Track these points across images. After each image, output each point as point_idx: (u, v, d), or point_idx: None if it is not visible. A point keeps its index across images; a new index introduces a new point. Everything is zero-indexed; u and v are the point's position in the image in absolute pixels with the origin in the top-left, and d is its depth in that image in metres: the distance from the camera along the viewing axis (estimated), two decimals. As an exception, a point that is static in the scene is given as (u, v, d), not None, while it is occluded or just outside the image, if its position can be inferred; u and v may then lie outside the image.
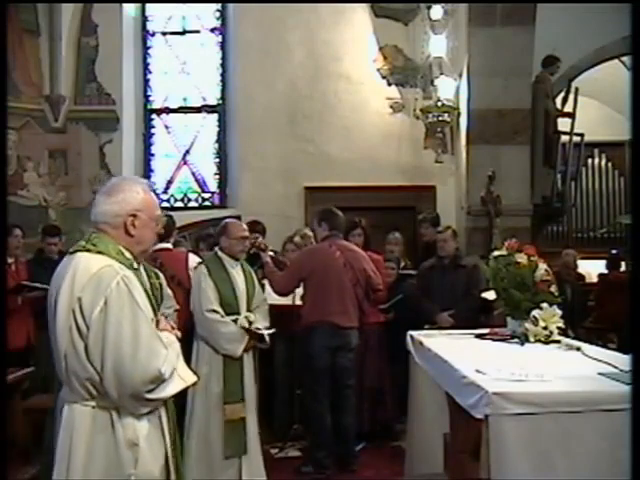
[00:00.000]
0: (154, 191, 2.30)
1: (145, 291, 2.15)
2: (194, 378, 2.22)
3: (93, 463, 2.03)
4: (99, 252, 2.11)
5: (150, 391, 2.02)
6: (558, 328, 3.07)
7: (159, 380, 2.02)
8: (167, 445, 2.15)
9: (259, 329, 4.08)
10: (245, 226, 4.41)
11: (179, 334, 2.27)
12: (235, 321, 4.01)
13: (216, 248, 4.32)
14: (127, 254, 2.17)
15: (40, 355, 5.37)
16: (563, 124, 7.18)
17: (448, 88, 7.04)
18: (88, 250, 2.13)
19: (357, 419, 4.82)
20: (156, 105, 8.22)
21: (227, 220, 4.47)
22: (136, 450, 2.04)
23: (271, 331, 4.16)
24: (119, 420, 2.05)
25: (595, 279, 7.52)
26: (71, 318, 2.01)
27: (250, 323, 4.05)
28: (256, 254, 4.84)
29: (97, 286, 1.99)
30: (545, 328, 3.05)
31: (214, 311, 4.00)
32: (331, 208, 4.85)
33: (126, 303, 1.99)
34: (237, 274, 4.18)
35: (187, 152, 8.20)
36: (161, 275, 4.13)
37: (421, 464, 3.56)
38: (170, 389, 2.08)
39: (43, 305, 5.60)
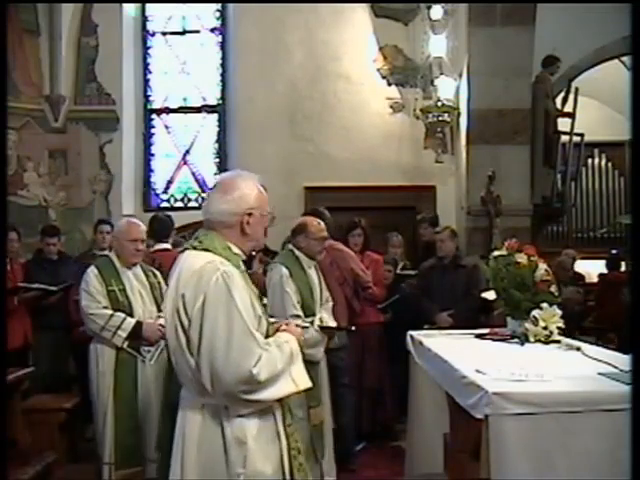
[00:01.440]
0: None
1: (251, 289, 2.14)
2: (308, 384, 2.14)
3: (203, 461, 2.03)
4: (205, 249, 2.11)
5: (245, 392, 1.98)
6: (558, 328, 3.08)
7: (252, 381, 1.96)
8: (282, 446, 2.11)
9: (341, 326, 4.06)
10: (324, 225, 4.19)
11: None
12: (312, 322, 3.91)
13: (290, 246, 4.16)
14: (235, 249, 2.16)
15: (39, 355, 5.39)
16: (563, 124, 7.18)
17: (448, 88, 7.04)
18: (194, 248, 2.14)
19: (357, 419, 4.82)
20: (156, 105, 8.22)
21: (306, 218, 4.27)
22: (244, 448, 2.01)
23: (352, 328, 4.14)
24: (227, 418, 2.03)
25: (595, 279, 7.52)
26: (175, 315, 2.04)
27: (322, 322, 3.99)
28: (251, 256, 4.84)
29: (198, 282, 2.01)
30: (545, 328, 3.05)
31: (297, 316, 3.81)
32: (318, 208, 4.83)
33: (223, 300, 1.99)
34: (313, 274, 4.10)
35: (187, 152, 8.20)
36: (159, 274, 4.16)
37: (421, 464, 3.56)
38: (272, 392, 2.02)
39: (40, 305, 5.63)
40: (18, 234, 5.56)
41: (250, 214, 2.18)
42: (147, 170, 8.15)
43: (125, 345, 3.85)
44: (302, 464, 2.15)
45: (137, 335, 3.88)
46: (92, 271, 3.95)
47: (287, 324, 2.27)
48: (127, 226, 4.00)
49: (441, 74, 7.10)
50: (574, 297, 6.25)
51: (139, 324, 3.89)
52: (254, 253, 5.04)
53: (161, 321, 4.00)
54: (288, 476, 2.10)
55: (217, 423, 2.03)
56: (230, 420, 2.02)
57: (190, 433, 2.04)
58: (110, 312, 3.86)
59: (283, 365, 2.04)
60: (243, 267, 2.16)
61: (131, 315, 3.90)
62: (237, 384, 1.96)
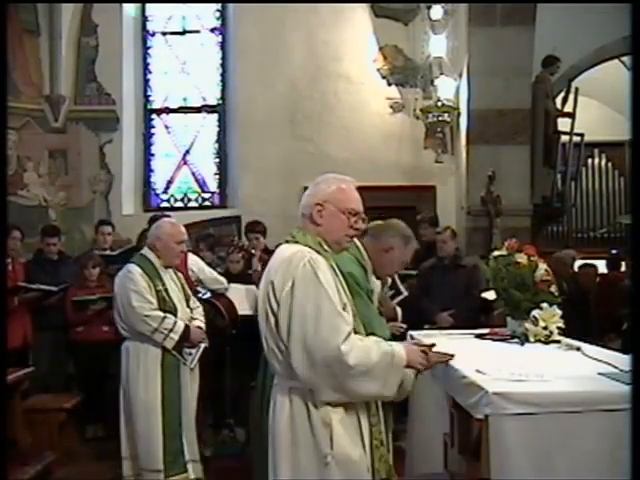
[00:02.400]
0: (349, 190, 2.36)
1: (338, 279, 2.23)
2: (395, 394, 2.15)
3: (294, 444, 2.10)
4: (296, 242, 2.25)
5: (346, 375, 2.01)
6: (558, 328, 3.08)
7: (342, 361, 1.99)
8: (365, 435, 2.15)
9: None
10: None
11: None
12: None
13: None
14: (325, 246, 2.27)
15: (39, 355, 5.39)
16: (563, 124, 7.19)
17: (448, 88, 7.04)
18: (287, 242, 2.31)
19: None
20: (156, 105, 8.22)
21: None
22: (330, 430, 2.07)
23: None
24: (313, 401, 2.08)
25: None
26: (266, 302, 2.15)
27: None
28: (251, 255, 4.85)
29: (287, 268, 2.12)
30: (545, 328, 3.05)
31: None
32: None
33: (310, 282, 2.08)
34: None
35: (187, 152, 8.20)
36: (181, 275, 4.18)
37: (421, 464, 3.56)
38: (360, 386, 2.04)
39: (40, 305, 5.64)
40: (22, 233, 5.56)
41: (320, 205, 2.28)
42: (147, 170, 8.14)
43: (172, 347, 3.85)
44: (383, 455, 2.21)
45: (185, 338, 3.88)
46: (136, 270, 3.88)
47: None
48: (173, 228, 4.00)
49: (441, 74, 7.10)
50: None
51: (187, 327, 3.90)
52: (253, 251, 5.05)
53: (198, 323, 4.03)
54: (370, 466, 2.16)
55: (304, 405, 2.10)
56: (316, 403, 2.09)
57: (280, 417, 2.14)
58: (162, 314, 3.83)
59: (378, 360, 2.06)
60: (333, 263, 2.25)
61: (175, 315, 3.90)
62: (327, 362, 2.01)
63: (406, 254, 2.99)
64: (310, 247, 2.20)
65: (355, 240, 2.67)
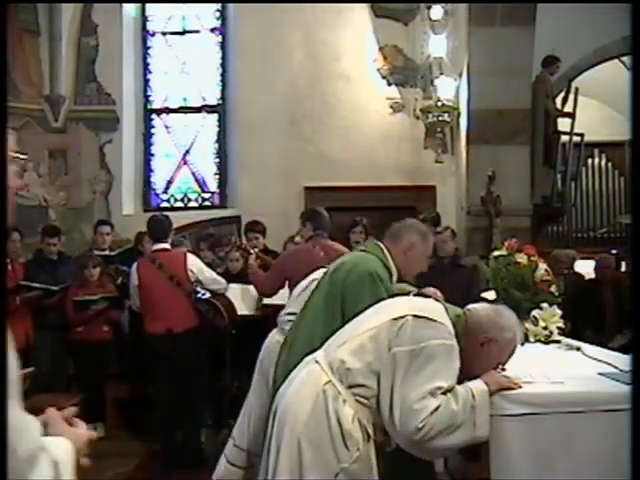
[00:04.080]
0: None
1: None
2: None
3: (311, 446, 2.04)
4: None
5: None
6: (558, 328, 3.08)
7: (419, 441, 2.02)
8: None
9: None
10: None
11: None
12: None
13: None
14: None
15: (39, 355, 5.39)
16: (563, 124, 7.18)
17: (448, 88, 7.03)
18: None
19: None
20: (156, 105, 8.22)
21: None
22: (353, 447, 2.04)
23: None
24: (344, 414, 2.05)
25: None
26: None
27: None
28: (249, 254, 4.85)
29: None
30: (545, 328, 3.05)
31: None
32: (315, 208, 4.83)
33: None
34: None
35: (187, 152, 8.19)
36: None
37: (421, 464, 3.55)
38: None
39: (40, 305, 5.63)
40: (20, 234, 5.56)
41: (490, 341, 2.21)
42: (147, 170, 8.14)
43: None
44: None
45: None
46: None
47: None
48: None
49: (441, 74, 7.09)
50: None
51: None
52: (251, 251, 5.05)
53: None
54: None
55: (334, 415, 2.05)
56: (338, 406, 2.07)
57: (301, 411, 2.09)
58: None
59: (461, 411, 2.02)
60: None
61: None
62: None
63: (428, 248, 2.98)
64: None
65: (379, 244, 2.81)
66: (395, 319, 2.11)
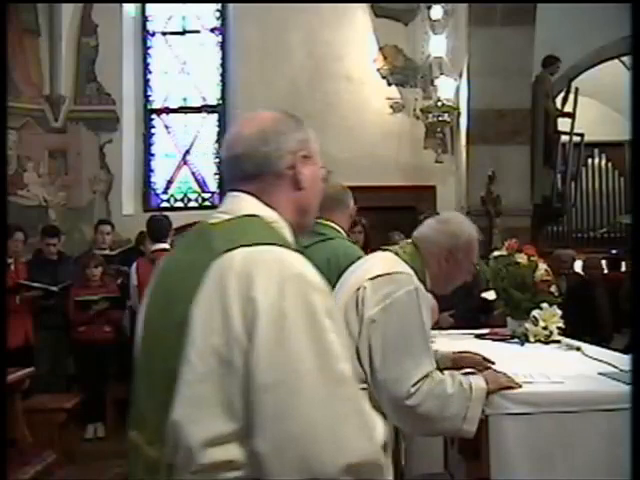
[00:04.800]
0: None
1: None
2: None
3: None
4: (405, 260, 2.16)
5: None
6: (558, 328, 3.08)
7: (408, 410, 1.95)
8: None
9: None
10: None
11: None
12: None
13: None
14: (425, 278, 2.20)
15: (39, 355, 5.39)
16: (563, 124, 7.18)
17: (448, 88, 7.03)
18: (397, 253, 2.20)
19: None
20: (156, 105, 8.22)
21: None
22: None
23: None
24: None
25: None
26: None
27: None
28: None
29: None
30: (545, 328, 3.05)
31: None
32: None
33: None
34: None
35: (187, 152, 8.19)
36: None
37: (421, 464, 3.56)
38: None
39: (41, 305, 5.62)
40: (25, 234, 5.56)
41: (451, 253, 2.22)
42: (147, 170, 8.14)
43: None
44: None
45: None
46: None
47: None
48: None
49: (441, 74, 7.10)
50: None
51: None
52: None
53: None
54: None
55: None
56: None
57: None
58: None
59: (454, 397, 1.98)
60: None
61: None
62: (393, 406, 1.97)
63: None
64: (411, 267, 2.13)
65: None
66: (355, 291, 2.07)
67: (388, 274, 2.06)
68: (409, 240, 2.29)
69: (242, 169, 1.32)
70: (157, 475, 1.20)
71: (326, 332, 1.14)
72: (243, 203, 1.30)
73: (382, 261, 2.18)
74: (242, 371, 1.10)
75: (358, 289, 2.06)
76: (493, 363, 2.31)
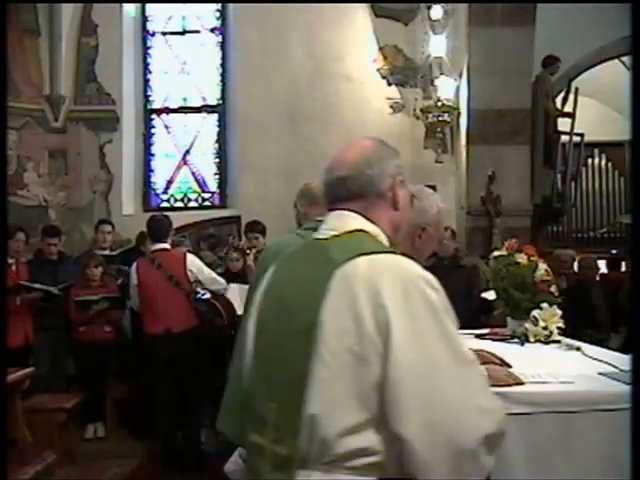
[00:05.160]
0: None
1: None
2: None
3: None
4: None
5: None
6: (558, 328, 3.07)
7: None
8: None
9: None
10: None
11: None
12: None
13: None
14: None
15: (39, 355, 5.39)
16: (563, 124, 7.18)
17: (448, 88, 7.03)
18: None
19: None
20: (156, 105, 8.22)
21: None
22: None
23: None
24: None
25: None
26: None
27: None
28: (245, 252, 4.86)
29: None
30: (545, 328, 3.05)
31: None
32: None
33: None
34: None
35: (187, 152, 8.20)
36: None
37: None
38: None
39: (41, 306, 5.62)
40: (26, 235, 5.56)
41: (424, 229, 2.24)
42: (147, 170, 8.15)
43: None
44: None
45: None
46: None
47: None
48: None
49: (441, 74, 7.10)
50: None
51: None
52: (248, 251, 5.05)
53: None
54: None
55: None
56: None
57: None
58: None
59: None
60: None
61: None
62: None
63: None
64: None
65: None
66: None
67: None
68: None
69: (348, 189, 1.47)
70: (288, 471, 1.31)
71: (447, 323, 1.30)
72: (350, 220, 1.45)
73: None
74: (377, 367, 1.25)
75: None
76: (510, 366, 2.30)
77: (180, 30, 8.26)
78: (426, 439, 1.22)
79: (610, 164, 10.11)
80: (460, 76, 7.01)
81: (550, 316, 3.07)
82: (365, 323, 1.25)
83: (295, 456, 1.30)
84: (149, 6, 8.24)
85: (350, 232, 1.42)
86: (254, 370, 1.45)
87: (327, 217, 1.50)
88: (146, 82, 8.19)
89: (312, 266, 1.39)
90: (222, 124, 8.11)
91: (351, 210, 1.47)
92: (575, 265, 6.58)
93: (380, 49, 7.61)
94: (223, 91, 8.14)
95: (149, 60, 8.22)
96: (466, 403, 1.25)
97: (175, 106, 8.22)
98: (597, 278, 6.40)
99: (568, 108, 7.15)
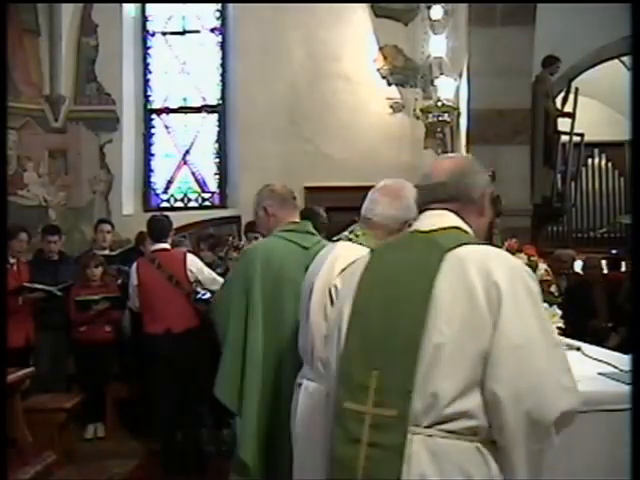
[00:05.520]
0: None
1: None
2: None
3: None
4: (360, 244, 2.24)
5: None
6: (558, 328, 3.07)
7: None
8: None
9: None
10: None
11: None
12: None
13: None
14: None
15: (39, 355, 5.39)
16: (563, 124, 7.18)
17: (448, 88, 7.03)
18: (350, 240, 2.31)
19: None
20: (156, 105, 8.23)
21: None
22: None
23: None
24: None
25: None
26: (327, 298, 2.17)
27: None
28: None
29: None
30: (545, 328, 3.05)
31: None
32: (313, 207, 4.82)
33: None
34: None
35: (187, 152, 8.20)
36: None
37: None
38: None
39: (42, 306, 5.61)
40: (28, 235, 5.55)
41: (410, 225, 2.24)
42: (147, 170, 8.15)
43: None
44: None
45: None
46: None
47: None
48: None
49: (441, 74, 7.09)
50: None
51: None
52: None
53: None
54: None
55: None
56: None
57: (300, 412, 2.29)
58: None
59: None
60: None
61: None
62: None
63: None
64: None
65: None
66: (326, 292, 2.20)
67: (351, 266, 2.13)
68: (356, 225, 2.35)
69: (446, 192, 1.69)
70: (396, 432, 1.46)
71: (541, 308, 1.55)
72: (447, 218, 1.67)
73: (342, 253, 2.23)
74: (486, 335, 1.44)
75: (330, 290, 2.15)
76: None
77: (180, 30, 8.27)
78: (515, 405, 1.41)
79: (610, 164, 10.11)
80: (460, 76, 7.00)
81: (550, 316, 3.07)
82: (477, 296, 1.45)
83: (405, 417, 1.45)
84: (149, 6, 8.25)
85: (448, 228, 1.63)
86: (352, 344, 1.60)
87: (425, 214, 1.71)
88: (146, 82, 8.19)
89: (421, 251, 1.60)
90: (222, 124, 8.11)
91: (448, 210, 1.68)
92: (575, 265, 6.60)
93: (380, 49, 7.61)
94: (223, 91, 8.14)
95: (149, 60, 8.23)
96: (550, 377, 1.44)
97: (175, 106, 8.22)
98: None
99: (568, 108, 7.15)
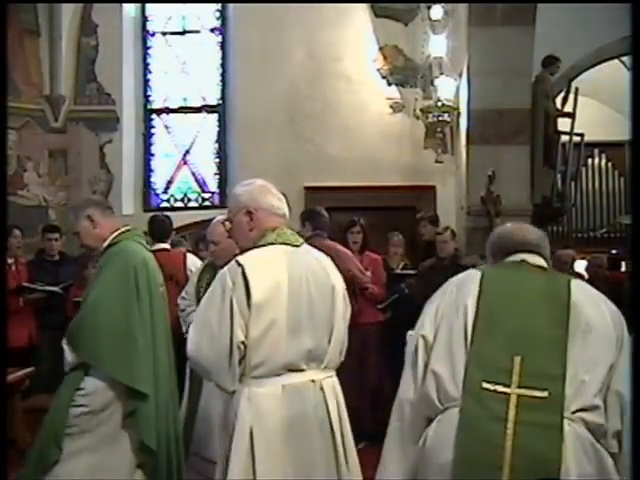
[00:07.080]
0: None
1: None
2: None
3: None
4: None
5: None
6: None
7: None
8: None
9: None
10: None
11: None
12: None
13: None
14: None
15: (39, 355, 5.39)
16: (563, 124, 7.18)
17: (448, 88, 7.03)
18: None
19: (357, 419, 4.81)
20: (156, 105, 8.22)
21: None
22: None
23: None
24: None
25: (595, 279, 7.50)
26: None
27: None
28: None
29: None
30: (545, 328, 3.05)
31: None
32: (315, 208, 4.84)
33: None
34: None
35: (187, 152, 8.20)
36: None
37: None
38: None
39: (44, 306, 5.61)
40: (21, 231, 5.56)
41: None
42: (147, 170, 8.15)
43: None
44: None
45: None
46: None
47: None
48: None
49: (441, 74, 7.10)
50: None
51: None
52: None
53: None
54: None
55: None
56: None
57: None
58: None
59: None
60: None
61: None
62: None
63: None
64: None
65: None
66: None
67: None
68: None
69: (538, 245, 2.26)
70: (546, 413, 1.71)
71: None
72: (542, 261, 2.19)
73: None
74: (614, 349, 1.84)
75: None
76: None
77: (180, 30, 8.26)
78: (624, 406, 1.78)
79: (610, 164, 10.12)
80: (460, 76, 7.01)
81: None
82: (606, 315, 1.90)
83: (558, 399, 1.71)
84: (149, 6, 8.24)
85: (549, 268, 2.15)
86: (490, 338, 1.88)
87: (527, 255, 2.18)
88: (146, 82, 8.19)
89: (546, 276, 2.09)
90: (222, 124, 8.11)
91: (540, 255, 2.20)
92: (575, 265, 6.60)
93: (380, 49, 7.61)
94: (223, 91, 8.14)
95: (149, 60, 8.22)
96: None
97: (175, 106, 8.22)
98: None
99: (568, 108, 7.14)
